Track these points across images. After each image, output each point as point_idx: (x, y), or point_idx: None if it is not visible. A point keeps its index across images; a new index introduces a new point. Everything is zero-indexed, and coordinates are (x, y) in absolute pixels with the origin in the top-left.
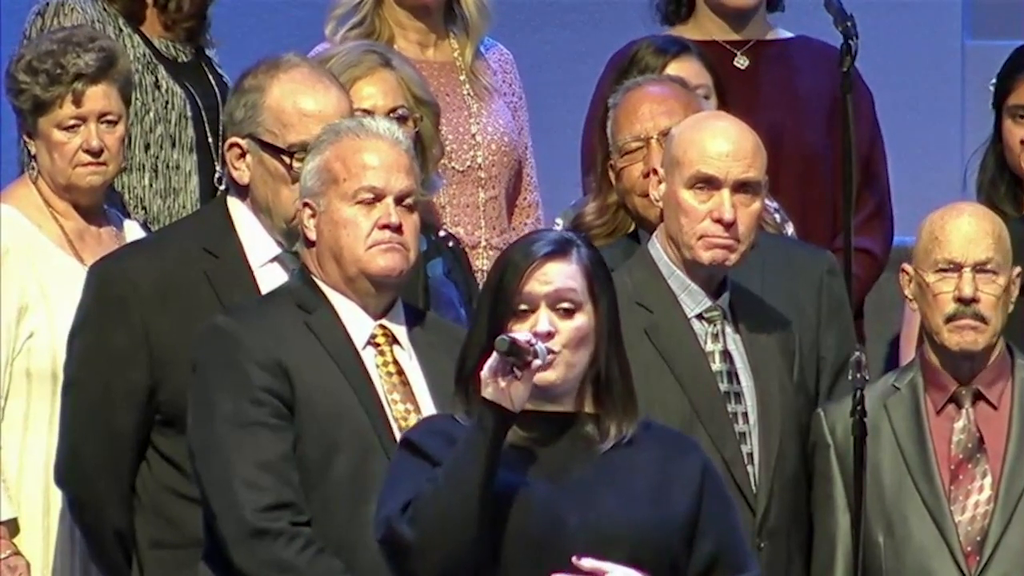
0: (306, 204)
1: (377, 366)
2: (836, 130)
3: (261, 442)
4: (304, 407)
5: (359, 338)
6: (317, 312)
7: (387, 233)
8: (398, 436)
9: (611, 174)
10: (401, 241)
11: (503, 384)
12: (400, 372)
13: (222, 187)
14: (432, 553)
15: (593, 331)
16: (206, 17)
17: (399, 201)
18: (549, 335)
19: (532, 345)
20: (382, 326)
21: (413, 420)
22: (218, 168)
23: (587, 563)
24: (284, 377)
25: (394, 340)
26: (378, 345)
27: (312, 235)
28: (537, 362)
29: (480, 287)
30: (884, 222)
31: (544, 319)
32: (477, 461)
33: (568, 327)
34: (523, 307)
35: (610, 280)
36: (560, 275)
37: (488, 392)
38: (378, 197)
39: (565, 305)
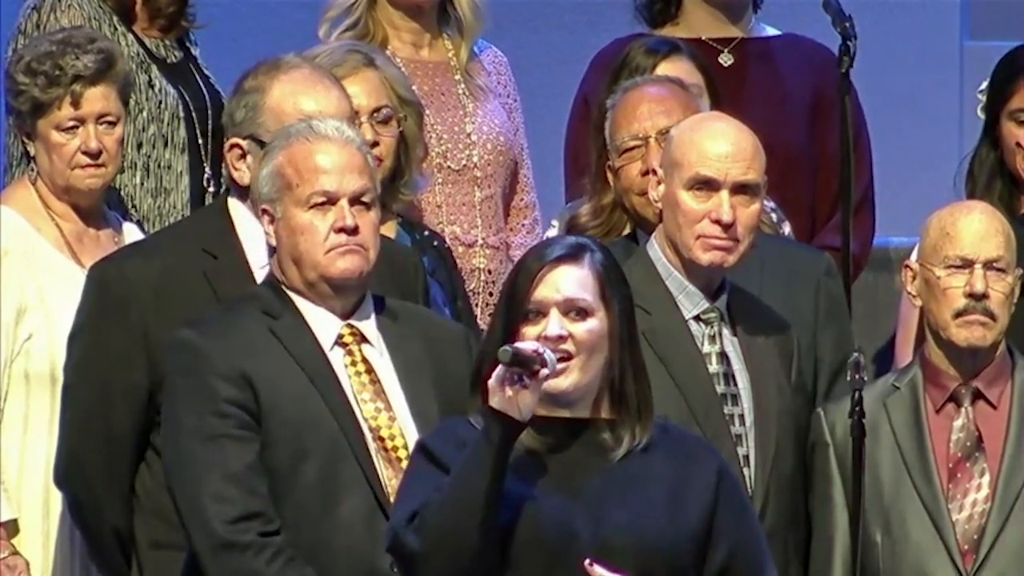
0: (264, 210)
1: (346, 366)
2: (817, 129)
3: (227, 454)
4: (271, 416)
5: (326, 340)
6: (283, 318)
7: (343, 236)
8: (368, 437)
9: (608, 174)
10: (359, 242)
11: (510, 393)
12: (370, 370)
13: (210, 188)
14: (437, 563)
15: (607, 335)
16: (186, 2)
17: (354, 201)
18: (560, 338)
19: (540, 354)
20: (349, 325)
21: (384, 419)
22: (207, 169)
23: (597, 571)
24: (248, 388)
25: (363, 339)
26: (346, 345)
27: (273, 241)
28: (545, 371)
29: (467, 286)
30: (864, 222)
31: (555, 323)
32: (482, 472)
33: (580, 330)
34: (534, 311)
35: (625, 285)
36: (571, 280)
37: (495, 402)
38: (332, 200)
39: (576, 309)
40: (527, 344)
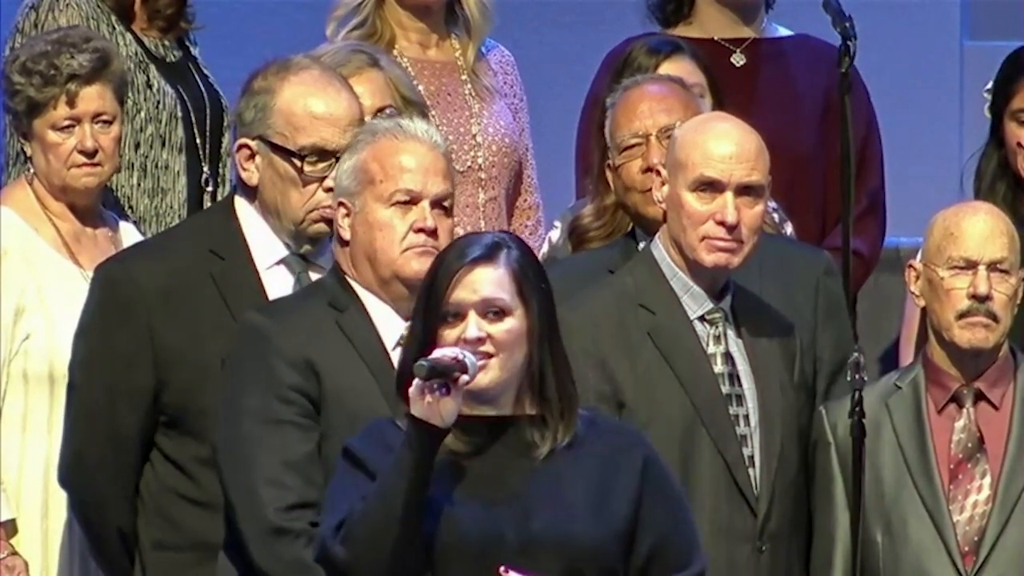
0: (341, 203)
1: None
2: (829, 130)
3: (287, 440)
4: (332, 406)
5: (389, 339)
6: (349, 311)
7: (422, 237)
8: None
9: (609, 174)
10: (435, 245)
11: (430, 400)
12: None
13: (208, 188)
14: (364, 572)
15: (525, 333)
16: (185, 3)
17: (435, 204)
18: (479, 340)
19: (460, 360)
20: None
21: None
22: (205, 169)
23: None
24: (313, 376)
25: None
26: None
27: (346, 235)
28: (465, 377)
29: None
30: (875, 222)
31: (473, 326)
32: (405, 479)
33: (499, 330)
34: (452, 314)
35: (543, 280)
36: (487, 282)
37: (416, 410)
38: (414, 200)
39: (494, 310)
40: (446, 351)
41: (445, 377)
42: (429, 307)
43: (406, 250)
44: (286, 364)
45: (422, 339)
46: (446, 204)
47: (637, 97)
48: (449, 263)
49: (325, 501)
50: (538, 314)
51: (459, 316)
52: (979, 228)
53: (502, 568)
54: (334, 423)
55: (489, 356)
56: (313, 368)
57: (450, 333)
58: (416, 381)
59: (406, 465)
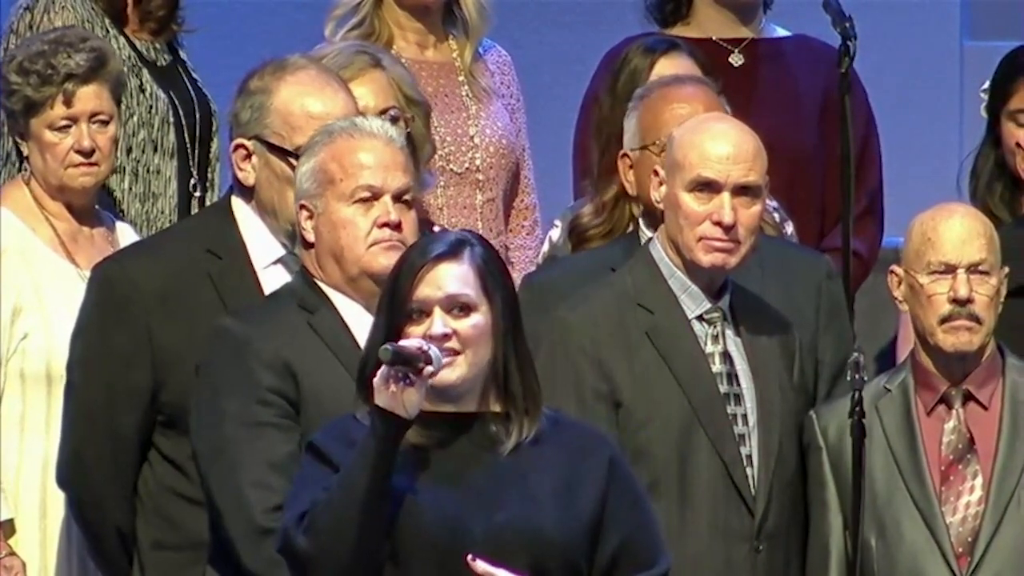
0: (303, 206)
1: None
2: (828, 130)
3: (269, 442)
4: (310, 406)
5: (362, 337)
6: (319, 312)
7: (387, 231)
8: None
9: (624, 168)
10: (401, 239)
11: (395, 390)
12: None
13: (196, 193)
14: (328, 563)
15: (490, 329)
16: (177, 5)
17: (397, 198)
18: (446, 336)
19: (424, 351)
20: None
21: None
22: (194, 174)
23: (480, 566)
24: (290, 377)
25: None
26: None
27: (310, 237)
28: (430, 368)
29: None
30: (873, 223)
31: (439, 322)
32: (369, 470)
33: (465, 326)
34: (418, 311)
35: (507, 277)
36: (452, 278)
37: (380, 400)
38: (376, 196)
39: (459, 306)
40: (411, 341)
41: (409, 365)
42: (393, 305)
43: (372, 245)
44: (264, 367)
45: (386, 337)
46: (407, 198)
47: (679, 96)
48: (412, 260)
49: (288, 494)
50: (502, 310)
51: (424, 313)
52: (956, 231)
53: (469, 557)
54: (313, 423)
55: (456, 353)
56: (290, 370)
57: (415, 330)
58: (381, 371)
59: (369, 455)
